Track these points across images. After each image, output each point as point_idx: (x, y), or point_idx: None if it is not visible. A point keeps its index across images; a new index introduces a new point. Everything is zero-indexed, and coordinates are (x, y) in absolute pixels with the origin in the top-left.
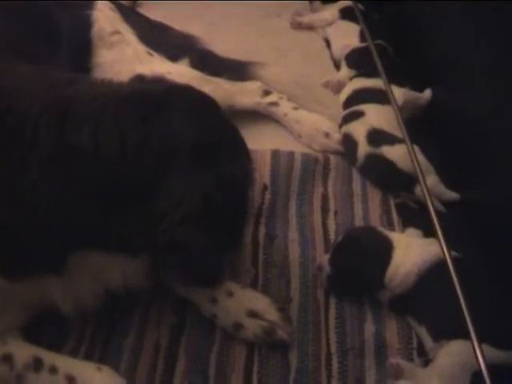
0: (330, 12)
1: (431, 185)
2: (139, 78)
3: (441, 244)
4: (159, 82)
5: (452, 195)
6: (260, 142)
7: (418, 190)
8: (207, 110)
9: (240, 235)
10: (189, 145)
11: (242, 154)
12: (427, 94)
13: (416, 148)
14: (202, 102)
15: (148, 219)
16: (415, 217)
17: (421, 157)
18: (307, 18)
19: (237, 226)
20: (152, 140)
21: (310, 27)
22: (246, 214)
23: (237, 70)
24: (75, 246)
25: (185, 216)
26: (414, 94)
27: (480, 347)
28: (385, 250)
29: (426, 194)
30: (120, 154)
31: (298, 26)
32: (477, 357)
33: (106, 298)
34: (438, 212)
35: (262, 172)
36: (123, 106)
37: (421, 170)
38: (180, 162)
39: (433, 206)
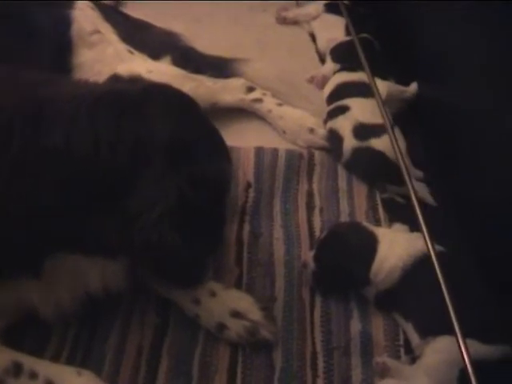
0: (315, 6)
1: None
2: (116, 78)
3: (424, 237)
4: (136, 81)
5: (412, 87)
6: (244, 139)
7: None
8: (184, 110)
9: (218, 235)
10: (164, 144)
11: (219, 153)
12: (413, 87)
13: (397, 131)
14: (178, 101)
15: (124, 219)
16: (402, 212)
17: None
18: (292, 13)
19: (214, 225)
20: (126, 139)
21: (296, 22)
22: (223, 214)
23: (220, 67)
24: (52, 248)
25: (159, 216)
26: (398, 88)
27: (464, 342)
28: (369, 244)
29: (410, 185)
30: (93, 153)
31: (283, 21)
32: (461, 352)
33: (88, 301)
34: (425, 205)
35: (246, 170)
36: (97, 105)
37: (405, 163)
38: (155, 162)
39: (416, 197)
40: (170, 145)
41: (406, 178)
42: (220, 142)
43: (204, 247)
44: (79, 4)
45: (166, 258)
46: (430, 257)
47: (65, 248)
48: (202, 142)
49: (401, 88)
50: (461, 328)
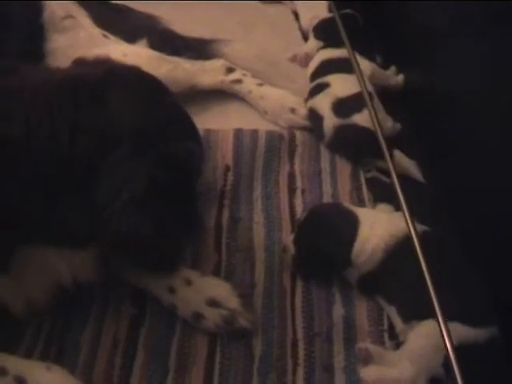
0: None
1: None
2: (80, 62)
3: (405, 216)
4: (101, 63)
5: (399, 78)
6: (225, 121)
7: (396, 155)
8: (149, 91)
9: (191, 218)
10: (128, 128)
11: (187, 134)
12: (400, 78)
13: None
14: (143, 84)
15: (91, 208)
16: (386, 192)
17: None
18: None
19: (185, 208)
20: (86, 125)
21: (278, 0)
22: (194, 195)
23: (199, 49)
24: (18, 241)
25: (128, 201)
26: (384, 73)
27: (446, 326)
28: (350, 225)
29: (388, 159)
30: (53, 141)
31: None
32: (443, 337)
33: (60, 294)
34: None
35: (225, 153)
36: (55, 92)
37: (384, 141)
38: (120, 147)
39: (396, 173)
40: (133, 128)
41: (385, 150)
42: (188, 123)
43: (176, 231)
44: None
45: (137, 244)
46: (409, 236)
47: (32, 240)
48: (169, 124)
49: (386, 74)
50: (442, 311)
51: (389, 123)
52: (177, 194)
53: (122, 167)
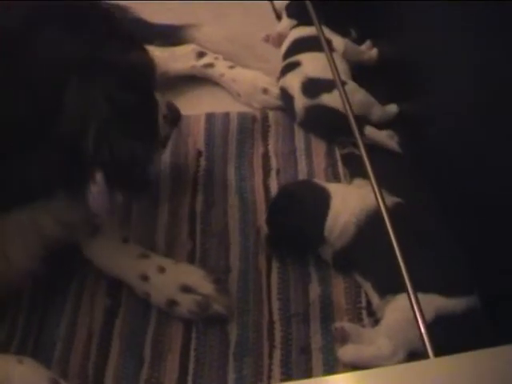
0: None
1: (378, 117)
2: None
3: (373, 187)
4: None
5: (391, 109)
6: (198, 107)
7: (368, 130)
8: (83, 14)
9: (156, 129)
10: (71, 57)
11: (133, 47)
12: (373, 53)
13: (354, 85)
14: (74, 9)
15: (56, 146)
16: (362, 167)
17: (361, 93)
18: None
19: (150, 120)
20: (31, 65)
21: None
22: (156, 103)
23: (170, 35)
24: None
25: (100, 128)
26: (357, 48)
27: (416, 298)
28: (322, 201)
29: (357, 132)
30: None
31: None
32: (413, 310)
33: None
34: (391, 155)
35: (196, 138)
36: None
37: (352, 111)
38: (71, 77)
39: (364, 145)
40: (79, 56)
41: (354, 126)
42: (130, 35)
43: (147, 145)
44: None
45: (134, 167)
46: (379, 208)
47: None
48: (109, 39)
49: (360, 49)
50: (412, 283)
51: (377, 110)
52: (141, 108)
53: (82, 98)
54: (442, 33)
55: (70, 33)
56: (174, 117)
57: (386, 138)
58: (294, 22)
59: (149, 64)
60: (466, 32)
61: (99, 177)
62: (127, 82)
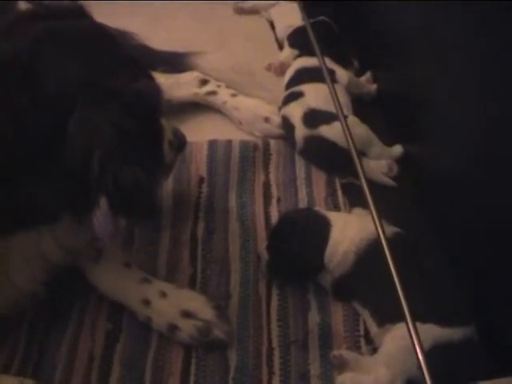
0: None
1: (377, 154)
2: None
3: (373, 218)
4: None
5: (396, 151)
6: (200, 133)
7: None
8: (90, 40)
9: (161, 155)
10: (76, 84)
11: (140, 74)
12: (373, 88)
13: (356, 120)
14: (80, 33)
15: (61, 172)
16: (362, 196)
17: (361, 128)
18: (250, 3)
19: (155, 146)
20: (35, 92)
21: (253, 10)
22: (162, 135)
23: (174, 62)
24: None
25: (104, 157)
26: (359, 82)
27: (415, 328)
28: (322, 228)
29: (358, 165)
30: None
31: (241, 11)
32: (412, 339)
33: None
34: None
35: (199, 164)
36: None
37: (354, 144)
38: (75, 104)
39: (364, 176)
40: (81, 81)
41: (357, 163)
42: (137, 62)
43: (152, 172)
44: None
45: (139, 194)
46: (379, 238)
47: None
48: (117, 66)
49: (361, 82)
50: (411, 314)
51: (377, 147)
52: (146, 135)
53: (85, 126)
54: (445, 67)
55: (76, 59)
56: (180, 143)
57: (380, 174)
58: (296, 51)
59: (155, 91)
60: (468, 65)
61: (103, 202)
62: (133, 109)
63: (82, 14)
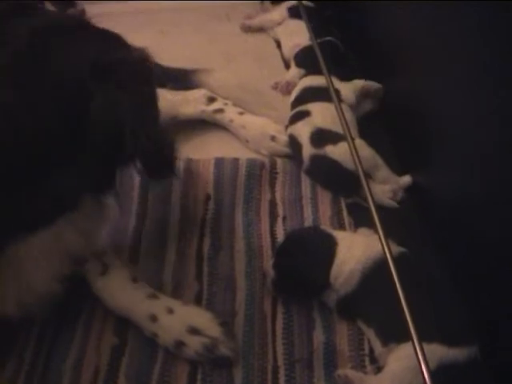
0: (279, 11)
1: (382, 178)
2: None
3: (380, 237)
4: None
5: (405, 180)
6: (207, 151)
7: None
8: (78, 27)
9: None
10: (85, 66)
11: (126, 45)
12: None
13: (362, 143)
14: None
15: (83, 156)
16: (367, 216)
17: (367, 151)
18: (257, 21)
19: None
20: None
21: (261, 29)
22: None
23: (181, 79)
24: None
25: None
26: (365, 83)
27: (421, 348)
28: (328, 247)
29: (366, 186)
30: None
31: (248, 29)
32: (418, 360)
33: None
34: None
35: (206, 182)
36: None
37: (361, 165)
38: (87, 86)
39: (372, 198)
40: (92, 63)
41: (364, 183)
42: (118, 37)
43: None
44: None
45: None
46: (386, 258)
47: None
48: (111, 45)
49: (369, 83)
50: (417, 334)
51: (383, 172)
52: (155, 96)
53: (105, 99)
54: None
55: (78, 46)
56: None
57: (384, 198)
58: (303, 71)
59: (147, 54)
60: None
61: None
62: (140, 75)
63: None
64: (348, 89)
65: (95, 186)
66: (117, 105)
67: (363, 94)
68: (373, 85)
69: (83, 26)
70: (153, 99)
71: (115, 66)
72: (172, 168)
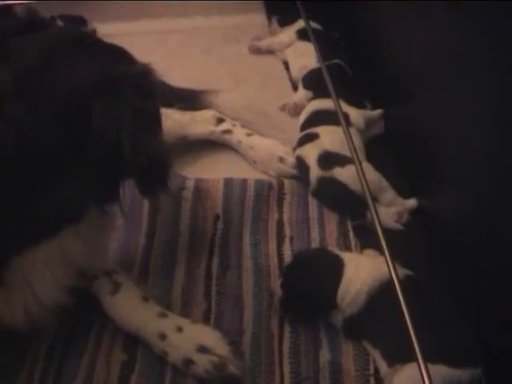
0: (288, 34)
1: (388, 201)
2: None
3: (386, 260)
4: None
5: (410, 203)
6: (215, 171)
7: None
8: (86, 44)
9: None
10: (90, 82)
11: (130, 59)
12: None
13: (369, 166)
14: (78, 40)
15: (86, 168)
16: (373, 238)
17: (374, 175)
18: (265, 43)
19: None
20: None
21: (269, 51)
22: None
23: (190, 99)
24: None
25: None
26: (371, 113)
27: (426, 369)
28: (335, 267)
29: (373, 209)
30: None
31: (257, 51)
32: (423, 380)
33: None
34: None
35: (215, 201)
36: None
37: (368, 188)
38: (91, 101)
39: (378, 220)
40: (97, 79)
41: (370, 205)
42: (122, 51)
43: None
44: None
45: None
46: (391, 280)
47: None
48: (113, 60)
49: (379, 112)
50: (423, 354)
51: (388, 195)
52: (157, 111)
53: (107, 113)
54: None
55: (83, 61)
56: None
57: (389, 221)
58: (310, 93)
59: (150, 69)
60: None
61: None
62: (141, 90)
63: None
64: (359, 114)
65: (99, 198)
66: (117, 118)
67: (372, 121)
68: (381, 113)
69: (91, 41)
70: (153, 114)
71: (117, 81)
72: (164, 184)
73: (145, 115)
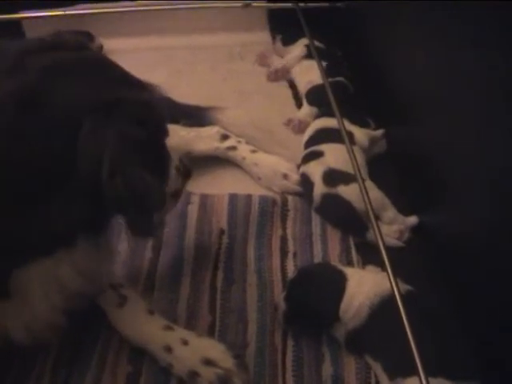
0: (299, 48)
1: (390, 219)
2: None
3: (388, 275)
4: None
5: (411, 221)
6: (220, 186)
7: (370, 234)
8: (91, 66)
9: (166, 167)
10: (81, 104)
11: (140, 88)
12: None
13: (371, 184)
14: (84, 62)
15: (75, 193)
16: (375, 254)
17: (377, 192)
18: (279, 62)
19: (162, 157)
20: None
21: (286, 70)
22: (166, 150)
23: (195, 116)
24: (14, 262)
25: (113, 162)
26: (375, 134)
27: (427, 383)
28: (338, 282)
29: (375, 224)
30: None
31: (275, 77)
32: None
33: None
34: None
35: (220, 217)
36: None
37: (371, 206)
38: (82, 125)
39: (381, 236)
40: (86, 102)
41: (373, 222)
42: (134, 78)
43: (159, 178)
44: None
45: (149, 201)
46: (393, 295)
47: (33, 254)
48: (117, 84)
49: (382, 132)
50: (424, 368)
51: (390, 213)
52: (152, 143)
53: (92, 136)
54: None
55: (81, 85)
56: (186, 171)
57: (390, 238)
58: (315, 109)
59: (156, 100)
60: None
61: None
62: (137, 117)
63: (83, 47)
64: (363, 134)
65: (88, 226)
66: (101, 141)
67: (375, 140)
68: (383, 132)
69: (97, 61)
70: (146, 146)
71: (111, 106)
72: (147, 228)
73: (134, 144)
